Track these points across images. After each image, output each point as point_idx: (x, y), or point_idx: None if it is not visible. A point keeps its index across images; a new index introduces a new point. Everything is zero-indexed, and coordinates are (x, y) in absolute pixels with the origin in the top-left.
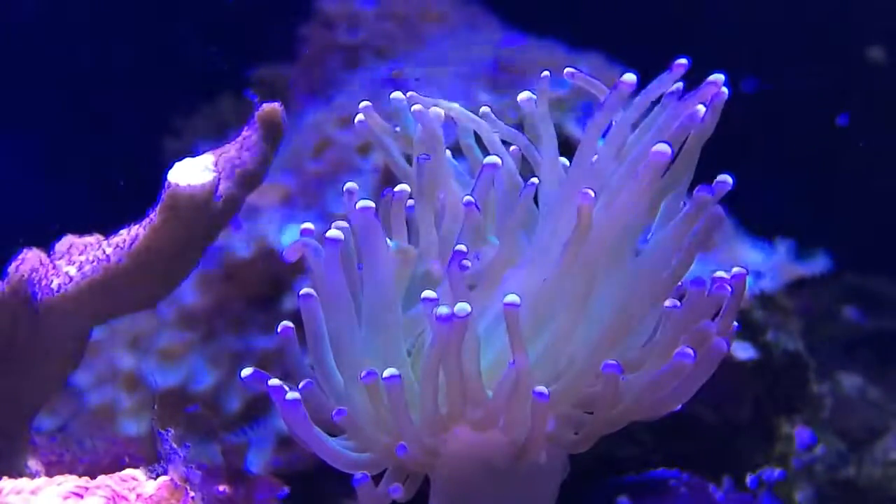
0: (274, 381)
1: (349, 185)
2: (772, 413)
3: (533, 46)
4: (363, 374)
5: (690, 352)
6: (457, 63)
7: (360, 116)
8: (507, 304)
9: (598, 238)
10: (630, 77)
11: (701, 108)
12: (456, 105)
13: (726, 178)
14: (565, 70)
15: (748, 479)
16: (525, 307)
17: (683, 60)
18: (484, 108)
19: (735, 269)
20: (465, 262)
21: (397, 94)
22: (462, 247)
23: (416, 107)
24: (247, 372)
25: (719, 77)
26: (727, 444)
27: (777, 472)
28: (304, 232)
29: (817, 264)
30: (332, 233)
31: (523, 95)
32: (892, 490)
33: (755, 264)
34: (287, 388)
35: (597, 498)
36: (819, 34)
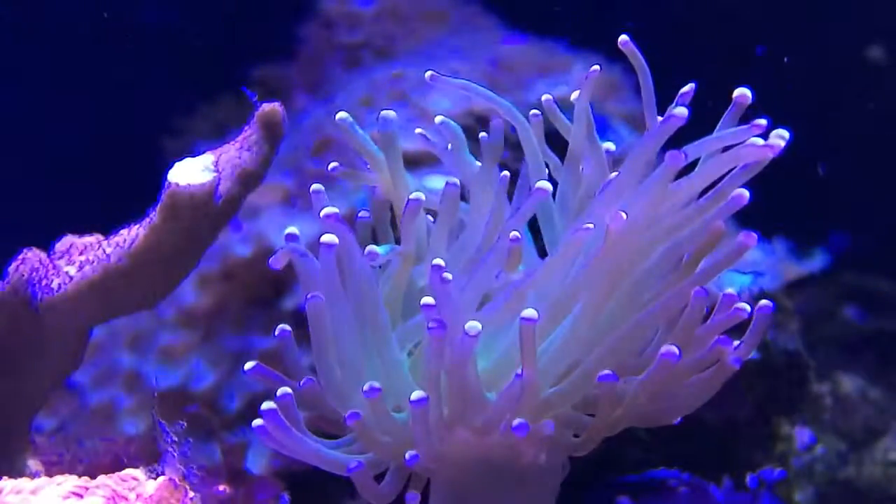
0: (258, 422)
1: (315, 186)
2: (772, 413)
3: (533, 46)
4: (366, 388)
5: (675, 350)
6: (457, 63)
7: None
8: (523, 319)
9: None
10: (682, 111)
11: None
12: (506, 103)
13: (743, 193)
14: (620, 38)
15: (748, 479)
16: (539, 310)
17: (763, 121)
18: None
19: (762, 302)
20: (445, 274)
21: (342, 115)
22: (440, 261)
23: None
24: (249, 365)
25: (784, 137)
26: (727, 444)
27: (777, 472)
28: (289, 237)
29: (816, 263)
30: (327, 237)
31: (574, 95)
32: (892, 490)
33: (754, 263)
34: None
35: (597, 498)
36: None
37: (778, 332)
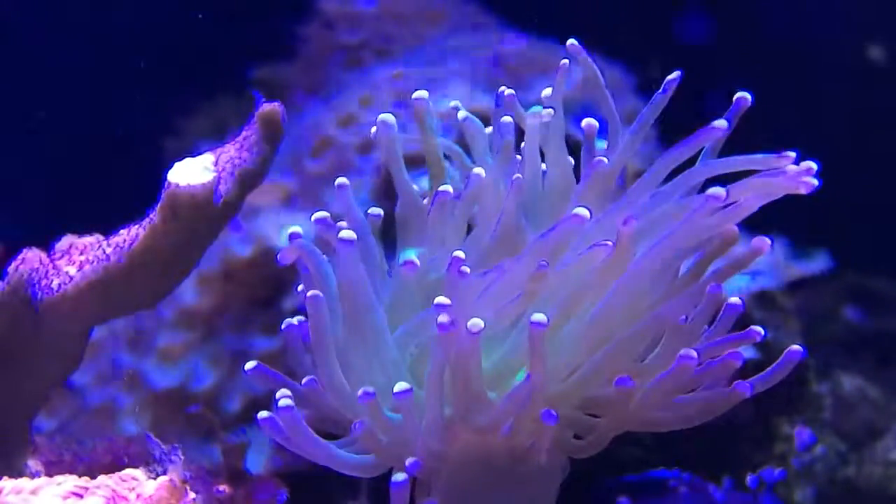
0: (263, 414)
1: (340, 179)
2: (772, 413)
3: (533, 46)
4: (360, 393)
5: (693, 353)
6: (457, 63)
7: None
8: (533, 323)
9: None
10: (722, 123)
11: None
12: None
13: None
14: (568, 42)
15: (748, 479)
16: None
17: (792, 154)
18: None
19: (793, 347)
20: (463, 268)
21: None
22: (460, 253)
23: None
24: (250, 365)
25: (813, 170)
26: (727, 444)
27: (777, 472)
28: (293, 236)
29: (816, 264)
30: (346, 233)
31: (546, 91)
32: (892, 490)
33: (754, 263)
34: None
35: (597, 498)
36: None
37: (778, 332)
